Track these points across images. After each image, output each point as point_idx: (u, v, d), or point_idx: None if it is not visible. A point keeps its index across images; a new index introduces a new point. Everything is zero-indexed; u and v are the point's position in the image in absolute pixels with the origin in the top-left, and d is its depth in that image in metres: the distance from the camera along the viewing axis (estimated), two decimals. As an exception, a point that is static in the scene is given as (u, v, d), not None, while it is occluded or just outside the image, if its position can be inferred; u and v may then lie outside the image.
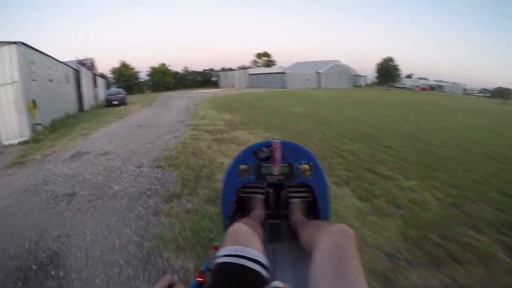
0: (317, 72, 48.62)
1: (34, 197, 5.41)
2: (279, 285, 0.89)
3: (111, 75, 63.01)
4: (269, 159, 1.68)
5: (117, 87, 56.92)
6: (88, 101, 27.33)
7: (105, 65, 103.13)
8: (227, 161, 5.96)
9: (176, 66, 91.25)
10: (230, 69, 64.22)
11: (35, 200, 5.27)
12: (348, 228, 1.18)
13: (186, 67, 69.42)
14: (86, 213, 4.51)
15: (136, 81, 64.38)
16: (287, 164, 1.69)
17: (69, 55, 45.81)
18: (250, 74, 51.32)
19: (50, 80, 17.80)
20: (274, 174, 1.70)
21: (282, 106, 17.27)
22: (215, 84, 59.82)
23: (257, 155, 1.68)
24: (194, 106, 19.27)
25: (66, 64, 22.65)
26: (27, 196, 5.54)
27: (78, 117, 19.58)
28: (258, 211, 1.87)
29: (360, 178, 5.35)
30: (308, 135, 8.83)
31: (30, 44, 14.19)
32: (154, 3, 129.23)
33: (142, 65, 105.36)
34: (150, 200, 4.60)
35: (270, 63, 72.82)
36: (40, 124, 13.65)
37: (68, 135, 12.41)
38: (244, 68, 61.44)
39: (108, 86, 54.97)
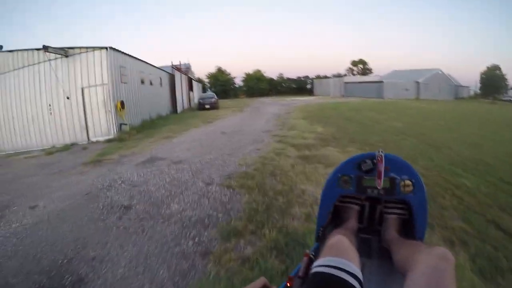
0: (416, 82, 44.31)
1: (91, 204, 5.20)
2: None
3: (207, 80, 65.26)
4: (371, 171, 1.59)
5: (212, 92, 60.19)
6: (182, 104, 28.71)
7: (202, 70, 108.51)
8: (310, 189, 5.17)
9: (271, 72, 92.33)
10: (325, 77, 62.62)
11: (91, 207, 5.05)
12: (450, 254, 1.11)
13: (281, 74, 69.36)
14: (132, 235, 3.98)
15: (231, 87, 66.20)
16: (388, 179, 1.57)
17: (168, 61, 48.56)
18: (345, 83, 49.16)
19: (142, 83, 18.81)
20: (375, 188, 1.58)
21: (379, 120, 15.74)
22: (309, 92, 59.01)
23: (360, 167, 1.60)
24: (285, 114, 18.60)
25: (160, 69, 24.05)
26: (86, 201, 5.38)
27: (168, 119, 20.30)
28: (352, 223, 1.80)
29: (481, 235, 3.71)
30: (412, 160, 7.16)
31: (122, 49, 15.16)
32: (252, 11, 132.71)
33: (238, 71, 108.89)
34: (205, 233, 3.94)
35: (366, 71, 69.25)
36: (126, 124, 14.28)
37: (153, 136, 12.76)
38: (339, 76, 59.39)
39: (204, 90, 58.00)
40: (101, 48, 13.40)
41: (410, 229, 1.66)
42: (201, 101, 27.98)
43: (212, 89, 61.88)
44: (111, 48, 13.65)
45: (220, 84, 63.51)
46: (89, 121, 13.88)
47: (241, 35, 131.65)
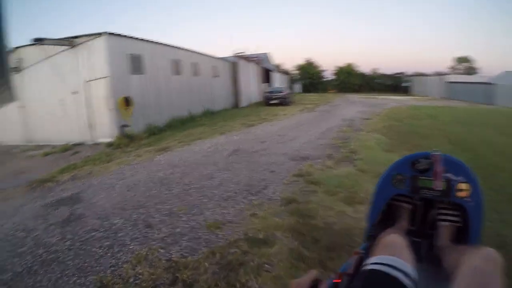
0: None
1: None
2: None
3: (296, 72, 60.67)
4: (427, 171, 1.51)
5: (297, 84, 56.77)
6: (248, 97, 24.78)
7: (291, 62, 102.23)
8: None
9: (365, 67, 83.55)
10: (423, 75, 53.04)
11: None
12: (496, 254, 1.07)
13: (375, 69, 60.79)
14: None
15: (320, 80, 60.18)
16: (444, 180, 1.48)
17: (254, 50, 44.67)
18: (448, 82, 40.00)
19: (177, 73, 15.26)
20: (430, 189, 1.50)
21: (503, 146, 8.28)
22: (405, 91, 50.21)
23: (415, 166, 1.52)
24: (360, 122, 13.07)
25: (212, 57, 20.20)
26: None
27: (212, 117, 16.59)
28: (403, 224, 1.67)
29: None
30: None
31: (131, 35, 12.02)
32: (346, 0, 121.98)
33: (329, 64, 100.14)
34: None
35: (471, 70, 57.10)
36: (127, 126, 11.01)
37: (157, 144, 9.71)
38: (439, 74, 49.64)
39: (291, 83, 53.48)
40: (97, 34, 10.56)
41: (463, 235, 1.54)
42: (267, 95, 23.45)
43: (301, 82, 57.92)
44: (110, 33, 10.65)
45: (309, 77, 58.49)
46: (97, 119, 11.11)
47: (334, 26, 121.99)
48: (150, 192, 4.95)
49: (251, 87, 25.88)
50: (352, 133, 9.71)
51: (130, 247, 3.25)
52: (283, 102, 22.44)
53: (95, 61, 10.61)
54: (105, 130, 10.77)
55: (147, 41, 12.78)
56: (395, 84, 56.63)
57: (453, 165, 1.48)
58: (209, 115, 17.37)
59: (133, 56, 11.70)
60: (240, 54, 23.65)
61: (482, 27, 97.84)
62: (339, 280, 1.22)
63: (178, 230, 3.60)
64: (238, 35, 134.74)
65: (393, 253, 1.05)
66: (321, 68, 61.20)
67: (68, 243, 3.45)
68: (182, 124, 13.87)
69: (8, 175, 7.86)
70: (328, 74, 61.53)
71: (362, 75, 59.14)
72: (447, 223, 1.59)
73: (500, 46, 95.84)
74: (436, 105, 23.88)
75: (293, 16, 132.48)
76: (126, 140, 10.17)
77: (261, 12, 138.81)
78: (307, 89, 55.12)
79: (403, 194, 1.62)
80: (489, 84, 33.05)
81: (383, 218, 1.74)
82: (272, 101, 22.52)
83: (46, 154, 9.80)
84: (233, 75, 23.10)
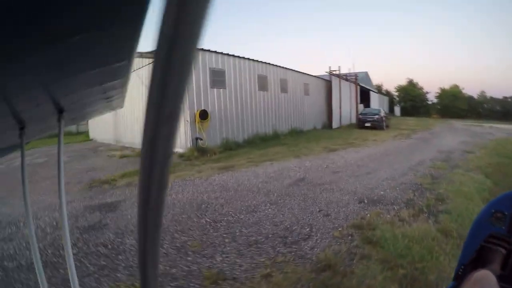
0: None
1: None
2: None
3: (396, 93, 57.03)
4: None
5: (398, 106, 53.15)
6: (342, 118, 23.53)
7: (392, 83, 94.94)
8: None
9: (471, 89, 74.70)
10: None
11: None
12: None
13: (483, 92, 54.73)
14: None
15: (424, 103, 55.86)
16: None
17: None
18: None
19: (263, 89, 14.94)
20: None
21: None
22: (517, 118, 43.21)
23: None
24: (461, 155, 11.03)
25: (304, 73, 19.50)
26: None
27: (294, 137, 15.79)
28: (495, 267, 1.44)
29: None
30: None
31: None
32: (452, 16, 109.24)
33: (432, 86, 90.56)
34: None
35: None
36: (201, 139, 10.98)
37: (221, 164, 9.09)
38: None
39: (391, 104, 50.32)
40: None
41: None
42: (361, 117, 21.80)
43: (401, 103, 54.28)
44: None
45: (410, 99, 54.61)
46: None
47: (439, 44, 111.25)
48: (177, 217, 4.47)
49: (346, 108, 24.48)
50: (446, 171, 8.03)
51: None
52: (377, 126, 20.61)
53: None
54: (179, 141, 10.82)
55: (231, 55, 12.65)
56: (506, 110, 49.74)
57: None
58: (295, 134, 16.74)
59: (214, 70, 11.62)
60: (334, 72, 22.49)
61: None
62: None
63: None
64: (336, 54, 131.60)
65: None
66: (423, 90, 56.85)
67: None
68: (262, 142, 13.43)
69: (80, 171, 8.26)
70: (431, 96, 57.12)
71: (469, 99, 53.55)
72: None
73: None
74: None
75: (396, 34, 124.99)
76: (197, 153, 10.11)
77: (362, 30, 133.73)
78: (407, 112, 51.25)
79: (499, 235, 1.48)
80: None
81: (475, 259, 1.58)
82: (366, 124, 20.86)
83: (123, 156, 10.30)
84: (327, 94, 22.16)
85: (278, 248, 3.57)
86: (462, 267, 1.51)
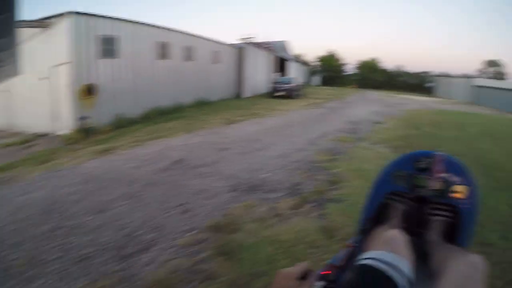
0: None
1: None
2: None
3: (317, 64, 58.01)
4: (426, 170, 1.43)
5: (317, 75, 54.32)
6: (254, 87, 22.72)
7: (313, 53, 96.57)
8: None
9: (389, 63, 79.72)
10: (449, 76, 49.29)
11: None
12: (482, 261, 1.05)
13: (399, 66, 57.78)
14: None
15: (342, 74, 57.66)
16: (442, 180, 1.40)
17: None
18: (475, 86, 36.20)
19: (163, 57, 13.61)
20: (426, 188, 1.43)
21: None
22: (428, 91, 47.06)
23: (415, 164, 1.45)
24: (369, 126, 11.03)
25: (212, 40, 18.17)
26: None
27: (198, 108, 14.79)
28: (396, 221, 1.54)
29: None
30: None
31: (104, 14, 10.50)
32: None
33: (352, 58, 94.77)
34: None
35: (500, 75, 52.67)
36: (87, 118, 9.54)
37: (105, 145, 7.83)
38: (467, 77, 45.79)
39: (311, 74, 51.40)
40: (67, 14, 9.29)
41: (455, 236, 1.47)
42: (273, 85, 21.38)
43: (320, 73, 55.69)
44: (76, 13, 9.33)
45: (330, 69, 55.88)
46: (61, 109, 9.79)
47: (360, 18, 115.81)
48: (18, 225, 3.52)
49: (259, 76, 23.75)
50: (350, 144, 7.76)
51: None
52: (290, 94, 20.43)
53: (60, 44, 9.29)
54: (65, 122, 9.38)
55: (126, 20, 11.11)
56: (417, 83, 53.88)
57: (453, 167, 1.41)
58: (201, 105, 15.72)
59: (105, 38, 10.12)
60: (248, 40, 21.72)
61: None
62: (329, 272, 1.18)
63: None
64: (254, 22, 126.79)
65: (393, 250, 0.96)
66: (343, 61, 58.65)
67: None
68: (162, 116, 12.22)
69: None
70: (351, 68, 59.07)
71: (385, 72, 56.42)
72: (439, 218, 1.52)
73: None
74: (463, 111, 21.52)
75: (318, 4, 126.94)
76: (82, 134, 8.75)
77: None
78: (326, 82, 52.49)
79: (400, 192, 1.55)
80: None
81: (376, 214, 1.63)
82: (278, 93, 20.56)
83: (8, 145, 8.81)
84: (239, 62, 21.23)
85: (109, 265, 2.77)
86: (367, 221, 1.58)
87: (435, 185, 1.42)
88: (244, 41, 21.62)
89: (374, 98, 26.57)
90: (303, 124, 10.84)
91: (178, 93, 14.44)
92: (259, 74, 23.68)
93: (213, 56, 18.05)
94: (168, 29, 13.74)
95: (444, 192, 1.42)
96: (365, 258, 0.94)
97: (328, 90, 34.31)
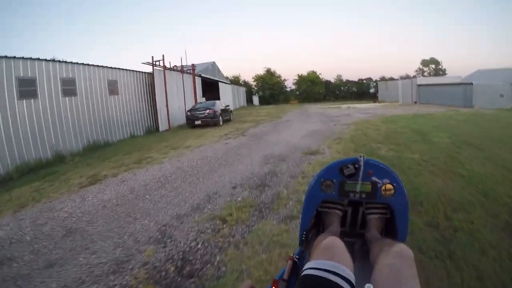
0: None
1: None
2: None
3: (254, 83, 55.82)
4: (353, 176, 1.56)
5: (257, 96, 50.86)
6: (173, 116, 18.49)
7: (251, 73, 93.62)
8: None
9: (329, 74, 79.12)
10: (392, 79, 48.48)
11: None
12: (407, 249, 1.13)
13: (339, 76, 56.58)
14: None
15: (282, 90, 55.37)
16: (370, 183, 1.55)
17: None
18: (419, 85, 34.94)
19: (29, 97, 10.00)
20: (356, 192, 1.57)
21: None
22: (372, 97, 45.92)
23: (342, 171, 1.56)
24: (301, 162, 7.22)
25: (106, 67, 14.24)
26: None
27: (87, 156, 10.72)
28: (335, 227, 1.70)
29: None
30: None
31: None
32: (307, 10, 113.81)
33: (291, 74, 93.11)
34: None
35: (439, 71, 53.77)
36: None
37: None
38: (408, 77, 45.01)
39: (249, 94, 48.64)
40: None
41: (392, 229, 1.65)
42: (189, 114, 17.11)
43: (259, 93, 52.80)
44: None
45: (269, 87, 53.07)
46: None
47: (295, 34, 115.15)
48: None
49: (178, 104, 19.48)
50: (239, 230, 3.79)
51: None
52: (211, 122, 16.36)
53: None
54: None
55: None
56: (361, 90, 53.00)
57: (377, 168, 1.54)
58: (92, 150, 11.62)
59: None
60: (158, 64, 17.04)
61: (444, 30, 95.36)
62: (274, 287, 1.21)
63: None
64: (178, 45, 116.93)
65: (332, 257, 1.04)
66: (283, 78, 56.18)
67: None
68: (26, 175, 8.42)
69: None
70: (290, 83, 56.81)
71: (326, 83, 54.67)
72: (374, 216, 1.69)
73: (463, 46, 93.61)
74: (415, 113, 18.33)
75: (251, 25, 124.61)
76: None
77: (216, 20, 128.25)
78: (267, 101, 49.60)
79: (333, 199, 1.69)
80: (467, 84, 28.73)
81: (316, 224, 1.79)
82: (196, 121, 16.43)
83: None
84: (149, 90, 17.14)
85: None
86: (305, 233, 1.65)
87: (365, 187, 1.53)
88: (158, 66, 17.23)
89: (315, 112, 23.08)
90: (195, 174, 6.81)
91: (56, 140, 10.55)
92: (177, 102, 19.37)
93: (109, 86, 14.02)
94: (36, 59, 10.06)
95: (374, 193, 1.53)
96: (307, 269, 1.00)
97: (266, 109, 30.66)
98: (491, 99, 26.90)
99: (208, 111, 16.50)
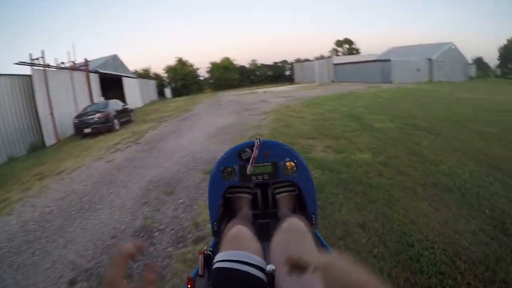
0: (428, 59, 30.40)
1: None
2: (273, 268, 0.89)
3: (166, 74, 51.74)
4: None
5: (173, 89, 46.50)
6: (63, 125, 14.30)
7: (162, 64, 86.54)
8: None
9: (243, 60, 77.45)
10: (307, 60, 48.05)
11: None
12: (297, 222, 1.16)
13: (254, 60, 55.08)
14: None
15: (196, 80, 51.90)
16: (270, 163, 1.52)
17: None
18: (335, 64, 34.62)
19: None
20: (259, 174, 1.52)
21: None
22: (289, 79, 45.25)
23: (240, 156, 1.50)
24: (198, 186, 4.68)
25: None
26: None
27: None
28: (246, 211, 1.64)
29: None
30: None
31: None
32: None
33: (204, 62, 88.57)
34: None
35: (353, 51, 55.18)
36: None
37: None
38: (323, 58, 44.93)
39: (161, 87, 44.62)
40: None
41: (303, 204, 1.61)
42: (76, 121, 13.25)
43: (171, 85, 48.99)
44: None
45: (181, 78, 49.45)
46: None
47: (205, 21, 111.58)
48: None
49: (69, 109, 15.13)
50: None
51: None
52: (103, 128, 12.92)
53: None
54: None
55: None
56: (277, 73, 51.99)
57: (275, 148, 1.51)
58: None
59: None
60: (38, 63, 12.81)
61: (357, 10, 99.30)
62: (190, 285, 1.12)
63: None
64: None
65: (239, 247, 1.02)
66: (195, 67, 52.42)
67: None
68: None
69: None
70: (203, 72, 53.71)
71: (241, 69, 52.54)
72: (283, 194, 1.65)
73: (375, 26, 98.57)
74: (336, 93, 16.79)
75: (159, 14, 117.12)
76: None
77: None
78: (179, 92, 45.76)
79: (237, 185, 1.63)
80: (385, 61, 29.94)
81: (227, 212, 1.72)
82: (86, 129, 12.79)
83: None
84: (28, 96, 12.95)
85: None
86: (215, 223, 1.58)
87: (266, 168, 1.48)
88: (38, 65, 13.07)
89: (228, 101, 20.37)
90: (35, 239, 3.78)
91: None
92: (70, 106, 15.34)
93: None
94: None
95: (276, 173, 1.49)
96: (217, 261, 0.98)
97: (176, 102, 26.95)
98: (408, 74, 28.18)
99: (98, 115, 12.96)
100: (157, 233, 3.49)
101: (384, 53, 37.15)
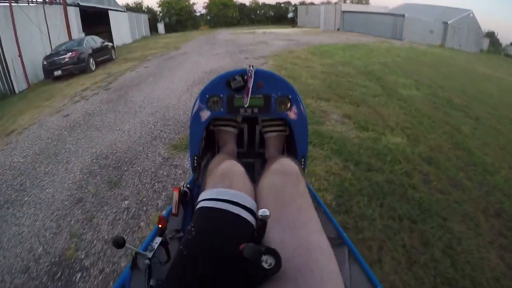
0: (444, 23, 28.08)
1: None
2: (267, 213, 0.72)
3: (159, 9, 47.83)
4: (242, 89, 1.32)
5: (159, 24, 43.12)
6: (32, 67, 12.37)
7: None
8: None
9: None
10: (312, 4, 44.92)
11: None
12: (290, 164, 0.98)
13: (256, -2, 51.49)
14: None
15: (192, 15, 48.08)
16: (262, 96, 1.34)
17: None
18: (344, 12, 32.02)
19: None
20: (248, 107, 1.34)
21: None
22: (291, 22, 41.83)
23: (230, 85, 1.31)
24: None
25: None
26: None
27: None
28: (230, 147, 1.48)
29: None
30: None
31: None
32: None
33: None
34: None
35: (362, 1, 51.46)
36: None
37: None
38: (329, 3, 41.80)
39: (154, 22, 41.30)
40: None
41: (293, 145, 1.46)
42: (45, 63, 11.29)
43: (164, 20, 45.19)
44: None
45: (176, 13, 45.69)
46: None
47: None
48: None
49: (46, 49, 13.16)
50: None
51: None
52: (75, 69, 11.05)
53: None
54: None
55: None
56: (279, 15, 48.59)
57: (269, 80, 1.33)
58: None
59: None
60: None
61: None
62: (161, 225, 0.93)
63: None
64: None
65: (230, 185, 0.89)
66: (191, 2, 48.28)
67: None
68: None
69: None
70: (201, 8, 50.72)
71: (240, 7, 49.06)
72: (272, 134, 1.50)
73: None
74: (346, 42, 15.06)
75: None
76: None
77: None
78: (173, 28, 42.58)
79: (223, 117, 1.47)
80: (398, 15, 27.30)
81: (210, 146, 1.58)
82: (56, 72, 10.98)
83: None
84: None
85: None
86: (196, 158, 1.43)
87: (257, 101, 1.31)
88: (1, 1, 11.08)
89: (223, 39, 18.15)
90: None
91: None
92: (45, 46, 13.44)
93: None
94: None
95: (268, 107, 1.32)
96: (203, 200, 0.85)
97: (168, 38, 24.59)
98: (421, 34, 26.01)
99: (70, 54, 11.05)
100: (79, 275, 2.17)
101: (397, 8, 34.48)
